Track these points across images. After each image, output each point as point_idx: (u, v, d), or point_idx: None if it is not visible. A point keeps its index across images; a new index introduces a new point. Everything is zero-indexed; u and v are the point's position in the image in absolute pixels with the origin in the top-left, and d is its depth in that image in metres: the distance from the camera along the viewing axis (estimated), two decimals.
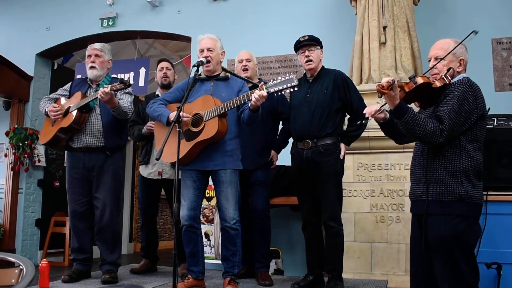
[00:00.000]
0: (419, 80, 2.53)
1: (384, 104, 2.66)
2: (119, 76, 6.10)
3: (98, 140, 3.85)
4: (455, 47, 2.60)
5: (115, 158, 3.95)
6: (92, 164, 3.86)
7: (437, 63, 2.64)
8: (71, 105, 3.83)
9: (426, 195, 2.55)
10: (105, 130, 3.86)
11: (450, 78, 2.57)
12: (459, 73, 2.64)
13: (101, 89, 3.59)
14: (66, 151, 4.03)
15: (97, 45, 4.03)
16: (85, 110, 3.81)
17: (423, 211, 2.56)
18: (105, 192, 3.86)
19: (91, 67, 3.95)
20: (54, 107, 3.87)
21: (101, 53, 3.99)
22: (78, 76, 6.78)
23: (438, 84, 2.57)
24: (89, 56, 3.98)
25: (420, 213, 2.60)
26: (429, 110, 2.68)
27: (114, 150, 3.93)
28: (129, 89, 3.94)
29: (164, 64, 4.48)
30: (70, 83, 4.18)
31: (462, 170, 2.49)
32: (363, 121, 2.81)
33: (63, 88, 4.15)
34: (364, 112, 2.73)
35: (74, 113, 3.76)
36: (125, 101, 3.85)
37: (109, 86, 3.59)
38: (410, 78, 2.57)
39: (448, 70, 2.58)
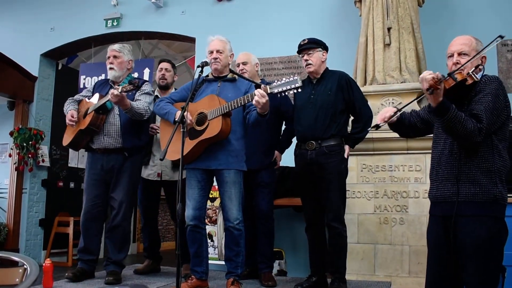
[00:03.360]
0: (459, 77, 2.41)
1: (399, 110, 2.61)
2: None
3: (116, 141, 3.85)
4: (483, 49, 2.51)
5: (133, 160, 3.94)
6: (110, 166, 3.86)
7: (470, 59, 2.51)
8: (89, 107, 3.86)
9: (456, 195, 2.47)
10: (123, 130, 3.86)
11: (477, 76, 2.49)
12: (480, 70, 2.57)
13: (111, 90, 3.60)
14: (86, 152, 4.05)
15: (115, 46, 4.03)
16: (101, 111, 3.82)
17: (453, 212, 2.47)
18: (122, 194, 3.86)
19: (110, 68, 3.96)
20: (72, 115, 3.89)
21: (119, 54, 3.98)
22: (82, 77, 6.82)
23: (470, 80, 2.48)
24: (108, 57, 3.99)
25: (448, 215, 2.51)
26: None
27: (132, 151, 3.93)
28: (148, 89, 3.96)
29: (164, 65, 4.47)
30: (94, 84, 4.22)
31: (496, 170, 2.43)
32: (376, 128, 2.73)
33: (87, 89, 4.21)
34: (377, 118, 2.69)
35: (91, 115, 3.78)
36: (142, 102, 3.84)
37: (120, 87, 3.59)
38: (449, 75, 2.42)
39: (476, 67, 2.48)
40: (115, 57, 3.97)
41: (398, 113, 2.61)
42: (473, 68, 2.48)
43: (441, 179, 2.58)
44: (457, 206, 2.47)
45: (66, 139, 4.02)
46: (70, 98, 4.14)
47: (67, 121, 3.91)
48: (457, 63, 2.57)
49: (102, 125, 3.84)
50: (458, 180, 2.48)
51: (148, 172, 4.26)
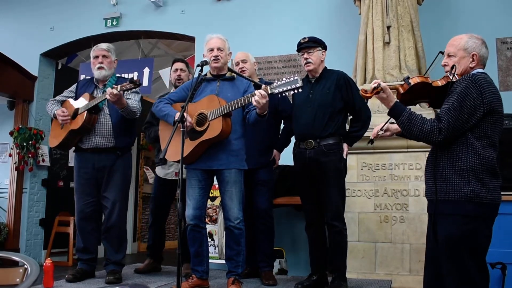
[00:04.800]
0: (413, 81, 2.54)
1: (388, 121, 2.68)
2: (122, 76, 6.11)
3: (108, 141, 3.85)
4: (428, 67, 2.71)
5: (124, 158, 3.96)
6: (102, 165, 3.86)
7: (435, 60, 2.65)
8: (79, 107, 3.83)
9: (435, 194, 2.52)
10: (115, 130, 3.86)
11: (455, 76, 2.53)
12: (472, 68, 2.59)
13: (109, 89, 3.58)
14: (74, 152, 4.02)
15: (104, 46, 4.03)
16: (94, 111, 3.80)
17: (432, 210, 2.55)
18: (115, 192, 3.87)
19: (99, 68, 3.94)
20: (63, 111, 3.85)
21: (108, 54, 3.99)
22: (82, 76, 6.81)
23: (439, 83, 2.56)
24: (97, 57, 3.97)
25: (431, 213, 2.58)
26: None
27: (124, 150, 3.94)
28: (136, 88, 3.95)
29: (178, 65, 4.39)
30: (76, 84, 4.17)
31: (469, 169, 2.43)
32: (370, 143, 2.84)
33: (68, 89, 4.15)
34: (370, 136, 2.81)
35: (84, 114, 3.75)
36: (133, 100, 3.85)
37: (118, 86, 3.57)
38: (404, 80, 2.58)
39: (452, 68, 2.55)
40: (104, 56, 3.97)
41: (385, 124, 2.72)
42: (450, 70, 2.57)
43: (426, 178, 2.66)
44: (435, 204, 2.53)
45: (55, 141, 3.97)
46: (52, 99, 4.11)
47: (60, 119, 3.85)
48: (445, 65, 2.64)
49: (94, 124, 3.82)
50: (436, 179, 2.53)
51: (166, 172, 4.25)
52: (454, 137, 2.47)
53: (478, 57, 2.59)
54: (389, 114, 2.57)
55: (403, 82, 2.59)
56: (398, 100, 2.57)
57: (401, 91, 2.56)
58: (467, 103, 2.42)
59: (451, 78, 2.53)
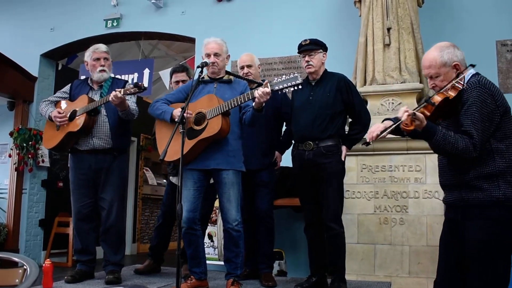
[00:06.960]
0: (435, 100, 2.46)
1: (389, 127, 2.53)
2: (122, 77, 6.11)
3: (106, 142, 3.85)
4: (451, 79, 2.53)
5: (121, 159, 3.96)
6: (99, 166, 3.85)
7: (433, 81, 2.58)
8: (77, 109, 3.81)
9: (461, 200, 2.48)
10: (112, 131, 3.85)
11: (462, 83, 2.47)
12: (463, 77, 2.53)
13: (113, 92, 3.58)
14: (70, 153, 4.00)
15: (104, 48, 4.02)
16: (93, 113, 3.80)
17: (459, 216, 2.51)
18: (112, 193, 3.86)
19: (102, 70, 3.94)
20: (59, 112, 3.85)
21: (109, 56, 4.01)
22: (83, 77, 6.81)
23: (452, 94, 2.49)
24: (98, 59, 3.96)
25: (455, 219, 2.54)
26: (446, 122, 2.60)
27: (120, 151, 3.94)
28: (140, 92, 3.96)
29: (179, 76, 4.24)
30: (69, 85, 4.15)
31: (498, 173, 2.40)
32: (366, 145, 2.75)
33: (62, 90, 4.14)
34: (365, 136, 2.72)
35: (83, 117, 3.74)
36: (131, 102, 3.85)
37: (122, 90, 3.58)
38: (426, 101, 2.49)
39: (457, 76, 2.49)
40: (105, 59, 3.97)
41: (386, 132, 2.56)
42: (455, 78, 2.49)
43: (448, 184, 2.60)
44: (462, 211, 2.49)
45: (50, 142, 3.95)
46: (45, 100, 4.09)
47: (58, 121, 3.83)
48: (434, 86, 2.59)
49: (93, 126, 3.82)
50: (462, 187, 2.48)
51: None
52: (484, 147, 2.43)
53: (460, 64, 2.54)
54: (421, 136, 2.46)
55: (425, 104, 2.49)
56: (428, 121, 2.46)
57: (427, 113, 2.45)
58: (485, 110, 2.40)
59: (463, 85, 2.44)
